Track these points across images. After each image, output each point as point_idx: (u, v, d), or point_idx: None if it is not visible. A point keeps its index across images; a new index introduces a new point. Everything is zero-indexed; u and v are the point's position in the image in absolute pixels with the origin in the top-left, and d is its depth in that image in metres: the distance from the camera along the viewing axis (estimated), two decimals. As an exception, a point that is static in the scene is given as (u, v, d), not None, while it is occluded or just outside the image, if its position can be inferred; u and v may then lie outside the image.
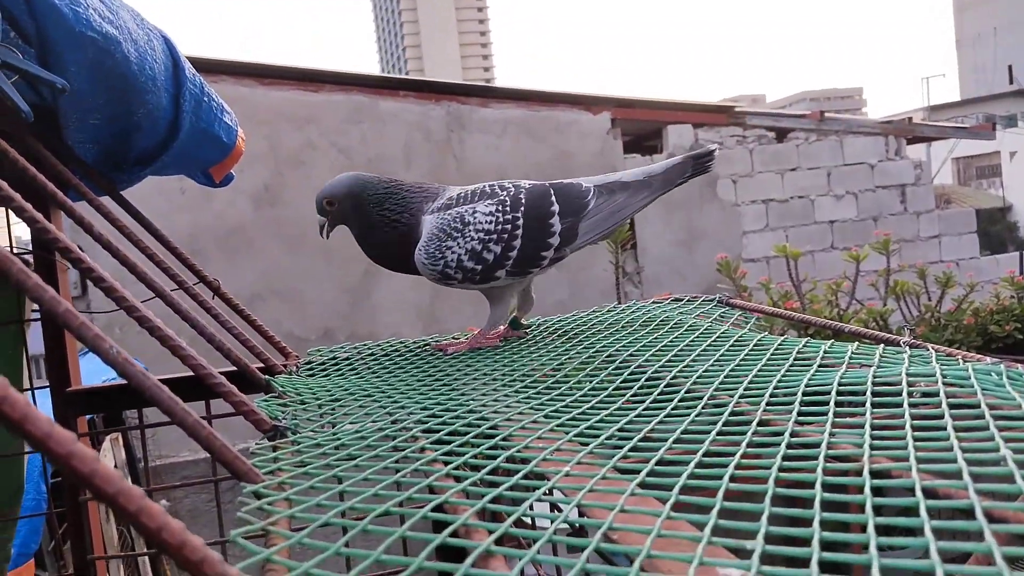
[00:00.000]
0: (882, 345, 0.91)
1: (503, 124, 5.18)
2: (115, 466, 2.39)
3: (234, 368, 0.94)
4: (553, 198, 1.15)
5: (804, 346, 0.91)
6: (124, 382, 1.45)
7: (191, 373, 0.85)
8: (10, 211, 1.23)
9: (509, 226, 1.12)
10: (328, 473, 0.57)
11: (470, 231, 1.11)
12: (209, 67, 4.39)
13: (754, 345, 0.95)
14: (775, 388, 0.73)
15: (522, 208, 1.14)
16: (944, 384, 0.68)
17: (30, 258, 1.27)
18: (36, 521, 2.01)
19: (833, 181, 5.88)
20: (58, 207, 0.92)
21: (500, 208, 1.13)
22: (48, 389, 1.30)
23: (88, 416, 2.07)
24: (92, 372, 1.71)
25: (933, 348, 0.86)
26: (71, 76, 0.95)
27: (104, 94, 1.04)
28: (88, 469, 0.37)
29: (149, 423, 1.26)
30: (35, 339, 1.35)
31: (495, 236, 1.12)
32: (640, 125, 5.68)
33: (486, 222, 1.12)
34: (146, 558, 2.24)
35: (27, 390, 1.34)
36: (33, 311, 1.33)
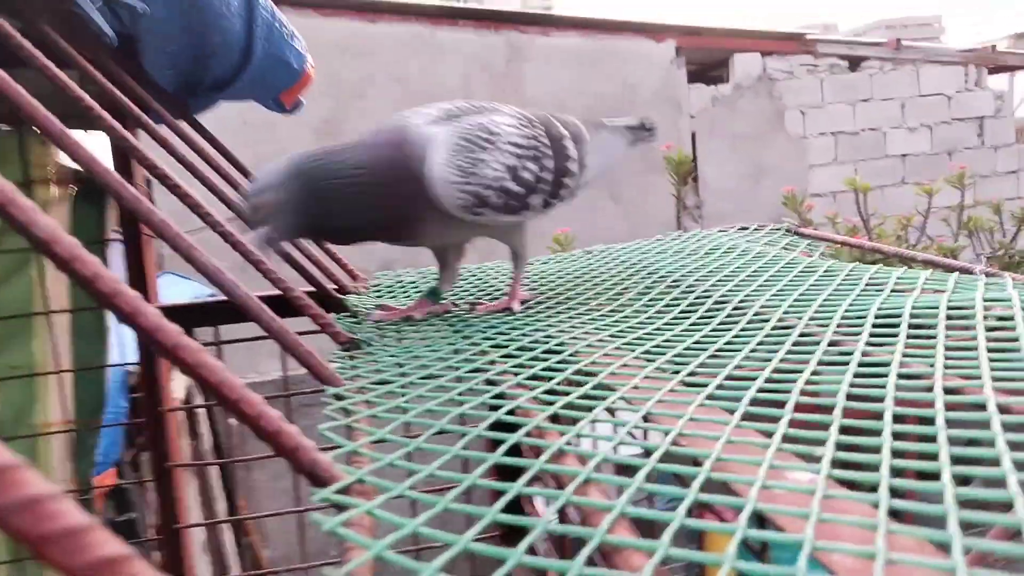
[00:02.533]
0: (956, 273, 0.89)
1: (564, 54, 5.08)
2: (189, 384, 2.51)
3: (310, 288, 0.97)
4: (554, 120, 0.97)
5: (875, 272, 0.90)
6: (198, 301, 1.51)
7: (270, 292, 0.88)
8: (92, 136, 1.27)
9: (536, 142, 0.91)
10: (404, 380, 0.59)
11: (501, 143, 0.87)
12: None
13: (823, 271, 0.94)
14: (845, 312, 0.73)
15: (537, 125, 0.93)
16: (1022, 308, 0.66)
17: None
18: (116, 433, 2.15)
19: (907, 113, 5.63)
20: (140, 128, 0.95)
21: (521, 121, 0.92)
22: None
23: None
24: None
25: (1011, 276, 0.84)
26: (150, 2, 0.97)
27: (182, 21, 1.06)
28: (194, 359, 0.40)
29: (223, 340, 1.32)
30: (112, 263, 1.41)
31: (528, 151, 0.90)
32: (706, 54, 5.49)
33: (516, 134, 0.89)
34: (217, 468, 2.37)
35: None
36: (113, 231, 1.39)
